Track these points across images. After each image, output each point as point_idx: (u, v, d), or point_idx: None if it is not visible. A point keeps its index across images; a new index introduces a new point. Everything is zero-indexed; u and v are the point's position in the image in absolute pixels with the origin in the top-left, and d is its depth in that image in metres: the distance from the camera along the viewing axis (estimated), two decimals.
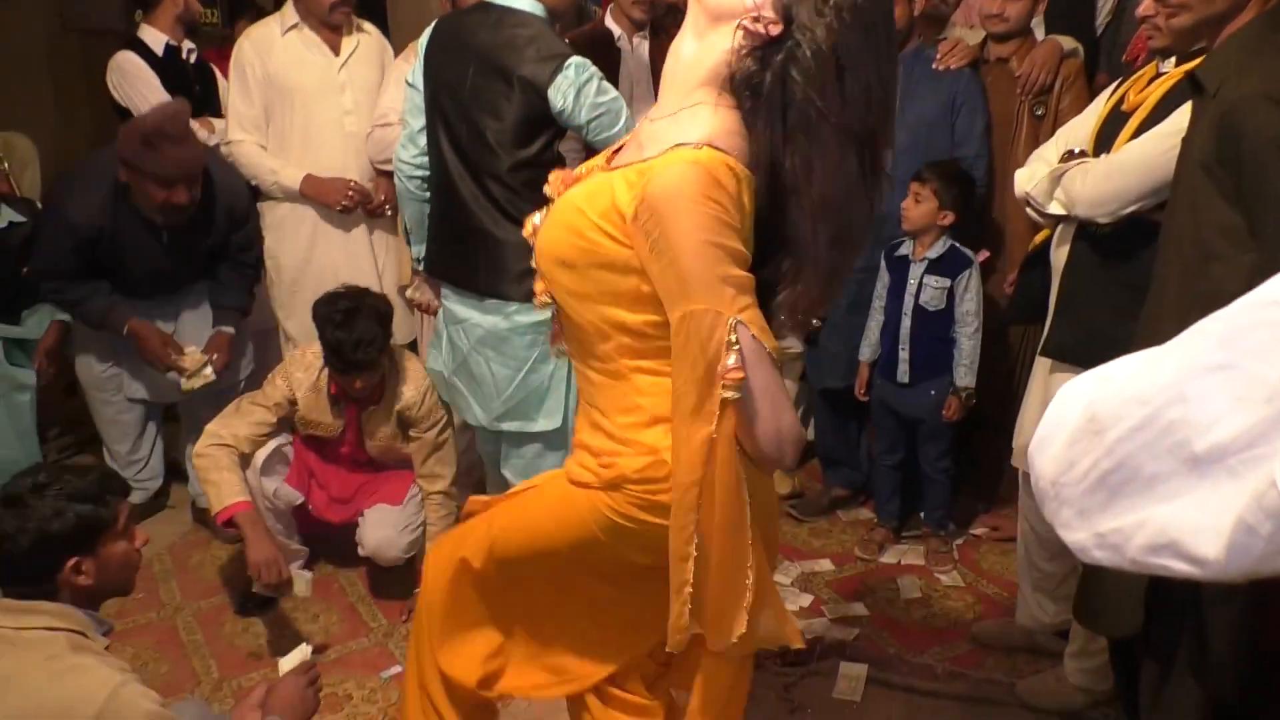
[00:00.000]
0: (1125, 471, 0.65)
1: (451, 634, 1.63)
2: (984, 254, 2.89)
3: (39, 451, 3.27)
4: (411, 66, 2.78)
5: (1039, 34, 3.01)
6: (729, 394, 1.23)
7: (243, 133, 3.09)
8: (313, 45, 3.06)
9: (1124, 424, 0.65)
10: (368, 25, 3.19)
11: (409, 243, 2.69)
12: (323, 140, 3.06)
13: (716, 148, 1.26)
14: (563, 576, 1.53)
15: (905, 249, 2.84)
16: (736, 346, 1.21)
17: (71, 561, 1.56)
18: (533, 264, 1.47)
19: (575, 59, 2.26)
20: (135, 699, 1.48)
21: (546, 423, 2.42)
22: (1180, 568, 0.63)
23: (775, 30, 1.25)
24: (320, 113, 3.06)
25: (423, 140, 2.45)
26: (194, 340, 2.92)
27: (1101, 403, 0.66)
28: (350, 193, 3.05)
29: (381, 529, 2.74)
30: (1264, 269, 1.36)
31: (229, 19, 4.80)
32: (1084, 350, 2.07)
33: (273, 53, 3.04)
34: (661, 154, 1.28)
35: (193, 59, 3.49)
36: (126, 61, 3.33)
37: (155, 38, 3.38)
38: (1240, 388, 0.58)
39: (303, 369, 2.65)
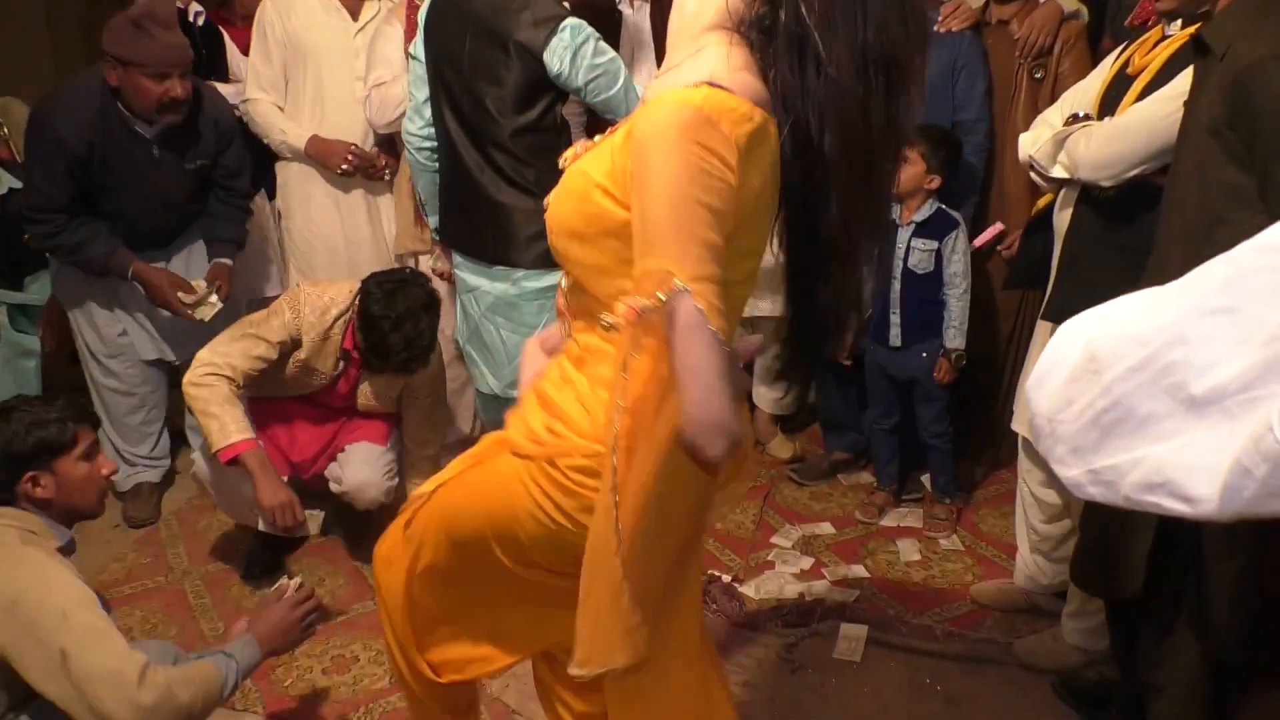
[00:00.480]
0: (1121, 410, 0.65)
1: (422, 634, 1.56)
2: (998, 227, 2.88)
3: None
4: (393, 28, 2.80)
5: None
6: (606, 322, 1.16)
7: (260, 91, 3.11)
8: (332, 9, 3.06)
9: (1122, 363, 0.65)
10: None
11: (424, 212, 2.70)
12: (334, 104, 3.06)
13: (718, 85, 1.13)
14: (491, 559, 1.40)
15: (893, 213, 2.84)
16: (687, 317, 1.06)
17: (28, 475, 1.80)
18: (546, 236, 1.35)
19: (570, 20, 2.27)
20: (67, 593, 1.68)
21: None
22: (1173, 506, 0.64)
23: None
24: (333, 76, 3.06)
25: (428, 111, 2.46)
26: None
27: (1101, 340, 0.67)
28: (350, 157, 3.04)
29: (364, 468, 2.65)
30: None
31: None
32: None
33: (293, 12, 3.04)
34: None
35: (200, 21, 3.43)
36: None
37: (193, 9, 3.34)
38: (1241, 330, 0.59)
39: (316, 311, 2.50)
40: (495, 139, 2.34)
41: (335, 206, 3.17)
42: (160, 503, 3.13)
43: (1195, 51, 1.65)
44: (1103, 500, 0.68)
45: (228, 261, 2.96)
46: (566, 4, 2.84)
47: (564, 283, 1.36)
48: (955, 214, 2.80)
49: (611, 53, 2.34)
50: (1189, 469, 0.61)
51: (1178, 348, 0.62)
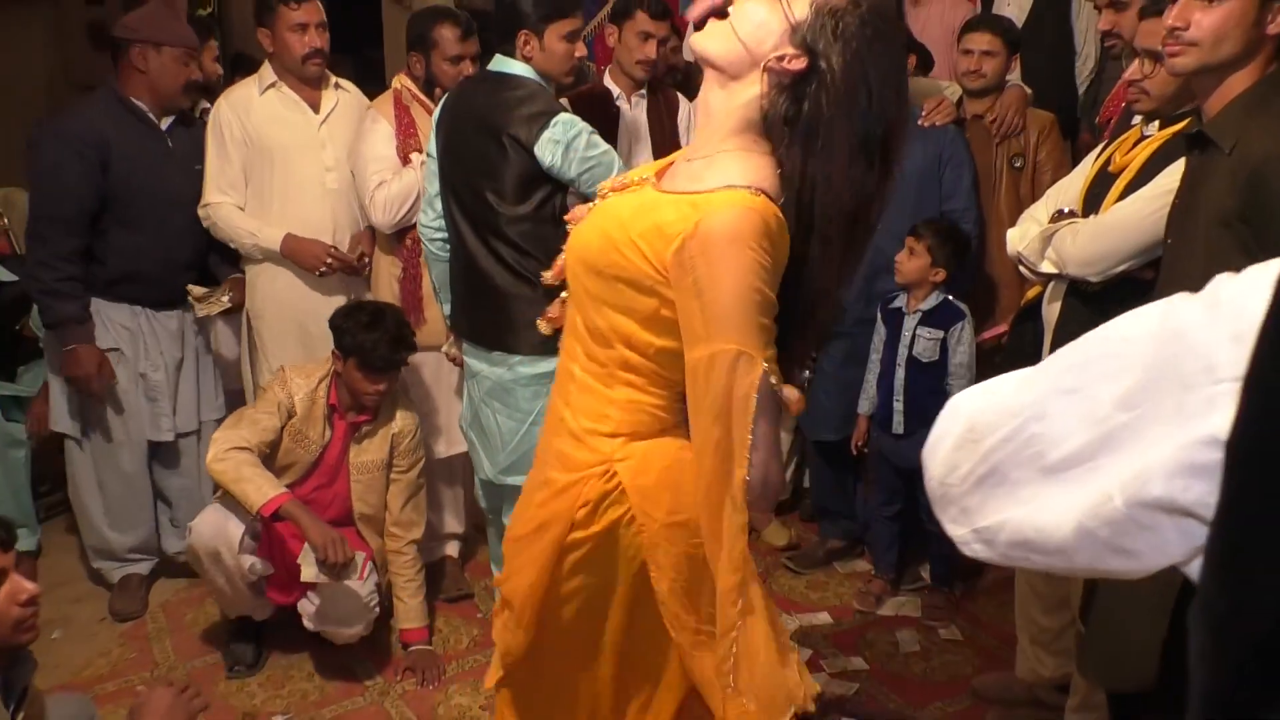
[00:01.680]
0: (996, 476, 0.74)
1: None
2: (1002, 328, 2.87)
3: (32, 507, 3.26)
4: (380, 125, 2.88)
5: None
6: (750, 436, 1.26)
7: (221, 194, 3.00)
8: (291, 103, 3.02)
9: (996, 434, 0.74)
10: (346, 83, 3.18)
11: (438, 300, 2.76)
12: (303, 197, 3.01)
13: (766, 194, 1.31)
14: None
15: (899, 302, 2.88)
16: (761, 390, 1.25)
17: None
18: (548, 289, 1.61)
19: (562, 115, 2.36)
20: None
21: None
22: (1039, 560, 0.73)
23: (800, 65, 1.29)
24: (300, 170, 3.01)
25: (439, 204, 2.57)
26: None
27: (980, 413, 0.76)
28: (330, 259, 2.96)
29: (345, 603, 2.60)
30: None
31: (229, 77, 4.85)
32: None
33: (251, 112, 3.00)
34: (715, 190, 1.31)
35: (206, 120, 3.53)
36: None
37: None
38: (1084, 409, 0.68)
39: (302, 375, 2.68)
40: (496, 229, 2.43)
41: (308, 301, 3.04)
42: (148, 595, 3.08)
43: (1190, 147, 1.71)
44: (985, 558, 0.78)
45: (240, 275, 3.06)
46: (565, 100, 2.96)
47: (564, 294, 1.52)
48: (962, 306, 2.84)
49: (604, 145, 2.41)
50: (1044, 528, 0.70)
51: (1038, 422, 0.71)
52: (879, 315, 2.93)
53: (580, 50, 2.49)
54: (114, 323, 2.94)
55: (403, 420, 2.75)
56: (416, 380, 3.07)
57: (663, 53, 2.98)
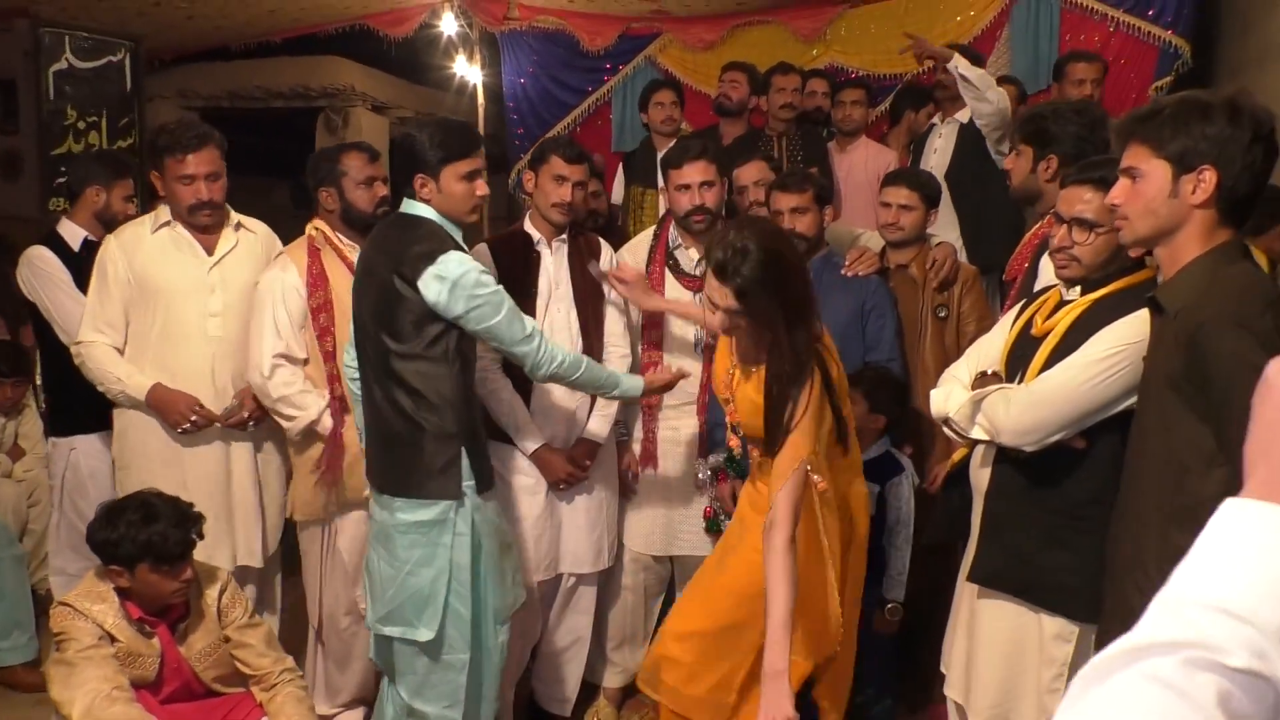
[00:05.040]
0: None
1: None
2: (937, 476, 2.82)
3: (31, 606, 3.33)
4: (289, 275, 2.83)
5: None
6: None
7: (96, 333, 2.85)
8: (184, 243, 2.87)
9: None
10: (252, 223, 3.02)
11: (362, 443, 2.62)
12: (183, 343, 2.84)
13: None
14: None
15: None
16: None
17: None
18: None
19: (453, 254, 2.33)
20: None
21: (427, 631, 2.35)
22: None
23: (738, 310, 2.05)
24: (183, 313, 2.85)
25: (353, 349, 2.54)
26: None
27: None
28: (195, 416, 2.77)
29: None
30: (1232, 482, 1.39)
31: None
32: (1012, 575, 2.03)
33: (139, 250, 2.85)
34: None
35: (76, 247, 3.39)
36: (38, 257, 3.22)
37: (73, 232, 3.31)
38: None
39: (91, 600, 2.34)
40: (388, 368, 2.38)
41: (179, 464, 2.85)
42: None
43: (1151, 310, 1.75)
44: None
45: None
46: (485, 244, 2.92)
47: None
48: (904, 459, 2.77)
49: (494, 285, 2.37)
50: None
51: None
52: None
53: (482, 189, 2.44)
54: None
55: (210, 588, 2.47)
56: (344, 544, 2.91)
57: (580, 195, 2.94)
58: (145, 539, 2.28)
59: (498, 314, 2.35)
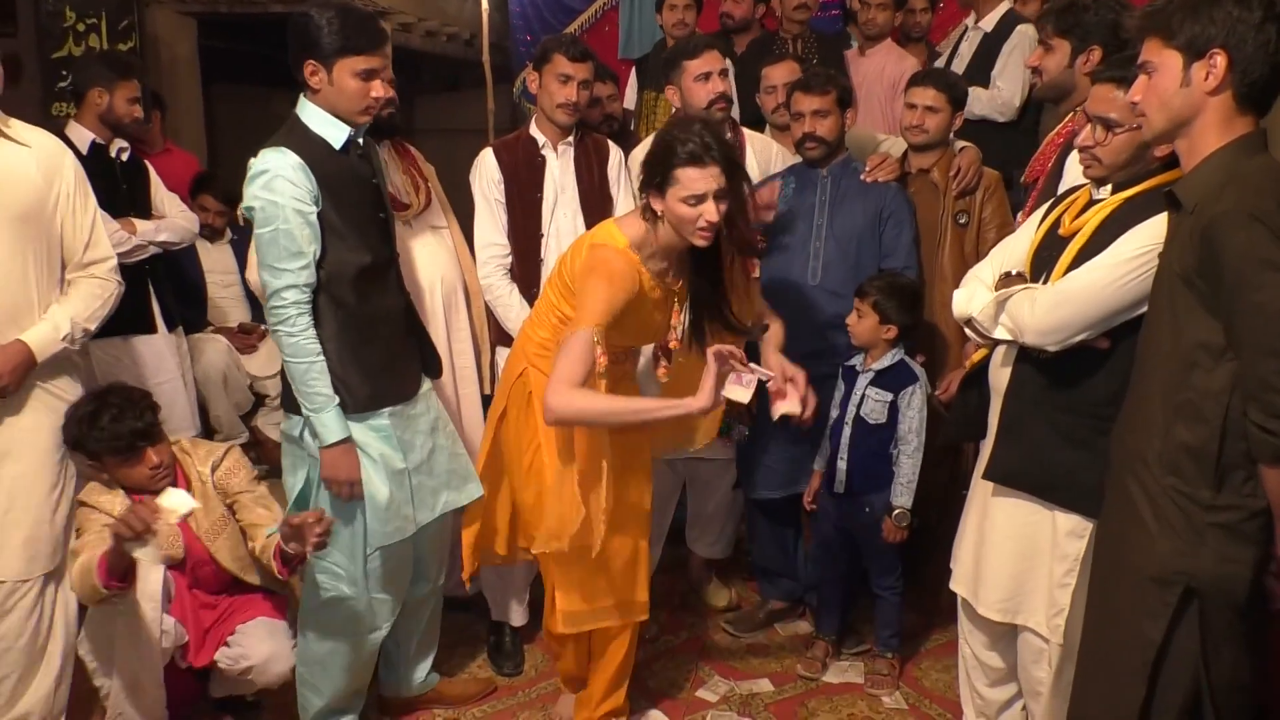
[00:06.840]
0: None
1: None
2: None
3: None
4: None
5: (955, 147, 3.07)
6: None
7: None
8: None
9: None
10: (34, 135, 2.35)
11: None
12: None
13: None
14: None
15: (856, 360, 2.81)
16: None
17: None
18: None
19: (272, 149, 2.17)
20: None
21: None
22: None
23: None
24: None
25: None
26: None
27: None
28: None
29: (269, 641, 2.45)
30: (1241, 376, 1.53)
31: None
32: (1029, 475, 2.04)
33: None
34: None
35: (124, 157, 3.39)
36: None
37: (81, 135, 3.29)
38: None
39: (103, 492, 2.41)
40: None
41: None
42: None
43: (1168, 204, 1.72)
44: None
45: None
46: (492, 149, 2.85)
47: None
48: (917, 368, 2.76)
49: (276, 196, 2.13)
50: None
51: None
52: (840, 373, 2.84)
53: (378, 90, 2.21)
54: None
55: (209, 455, 2.51)
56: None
57: (585, 96, 2.87)
58: (96, 435, 2.33)
59: (264, 227, 2.15)
